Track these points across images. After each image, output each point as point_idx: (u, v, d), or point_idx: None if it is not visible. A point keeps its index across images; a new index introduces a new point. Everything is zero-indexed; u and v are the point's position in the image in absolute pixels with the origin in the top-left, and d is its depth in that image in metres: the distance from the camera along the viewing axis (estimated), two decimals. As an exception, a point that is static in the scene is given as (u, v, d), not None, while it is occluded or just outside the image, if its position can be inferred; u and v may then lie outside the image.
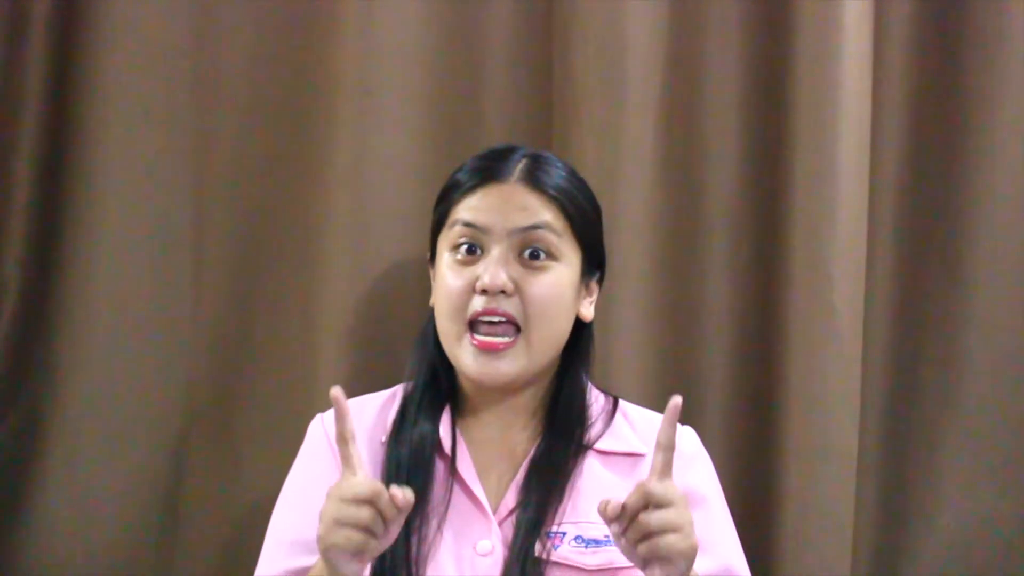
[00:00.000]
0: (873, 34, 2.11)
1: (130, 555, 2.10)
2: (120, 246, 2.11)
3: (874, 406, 2.15)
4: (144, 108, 2.11)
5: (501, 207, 1.74)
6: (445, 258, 1.76)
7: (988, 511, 2.14)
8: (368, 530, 1.50)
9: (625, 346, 2.09)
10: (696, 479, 1.77)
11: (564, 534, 1.69)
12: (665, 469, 1.54)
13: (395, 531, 1.53)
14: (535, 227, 1.74)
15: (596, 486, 1.73)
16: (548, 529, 1.68)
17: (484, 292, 1.72)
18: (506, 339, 1.72)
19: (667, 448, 1.54)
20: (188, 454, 2.13)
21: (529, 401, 1.78)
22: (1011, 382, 2.15)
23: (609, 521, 1.52)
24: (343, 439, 1.54)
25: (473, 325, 1.72)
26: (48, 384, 2.11)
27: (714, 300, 2.14)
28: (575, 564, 1.68)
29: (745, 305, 2.14)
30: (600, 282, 1.85)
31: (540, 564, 1.66)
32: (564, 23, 2.11)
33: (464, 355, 1.73)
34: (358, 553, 1.51)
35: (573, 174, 1.81)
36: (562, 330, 1.77)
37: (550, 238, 1.74)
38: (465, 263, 1.74)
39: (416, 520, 1.68)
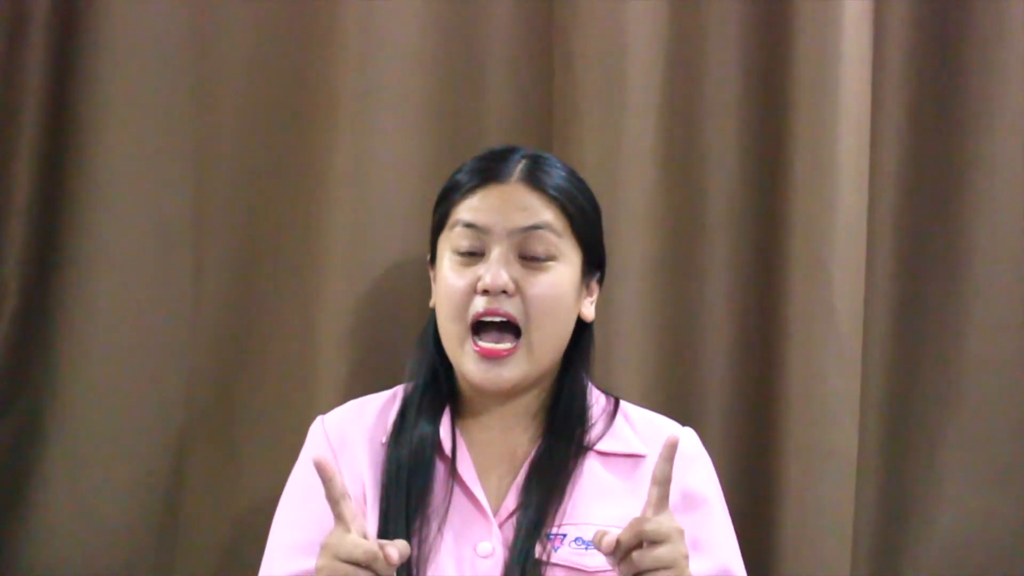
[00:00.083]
0: (873, 34, 2.11)
1: (130, 555, 2.11)
2: (120, 246, 2.11)
3: (874, 406, 2.15)
4: (144, 108, 2.11)
5: (501, 207, 1.75)
6: (446, 259, 1.76)
7: (988, 511, 2.14)
8: None
9: (625, 346, 2.09)
10: (696, 480, 1.77)
11: (564, 536, 1.69)
12: (660, 503, 1.55)
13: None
14: (536, 227, 1.74)
15: (597, 487, 1.73)
16: (548, 531, 1.68)
17: (486, 292, 1.72)
18: (508, 346, 1.72)
19: (663, 483, 1.55)
20: (188, 454, 2.13)
21: (530, 403, 1.78)
22: (1011, 382, 2.15)
23: (604, 554, 1.54)
24: (333, 499, 1.55)
25: (475, 329, 1.73)
26: (48, 384, 2.11)
27: (714, 300, 2.14)
28: (575, 566, 1.68)
29: (745, 305, 2.14)
30: (600, 282, 1.85)
31: (540, 566, 1.66)
32: (564, 23, 2.11)
33: (467, 361, 1.73)
34: None
35: (573, 174, 1.82)
36: (564, 330, 1.77)
37: (551, 238, 1.74)
38: (466, 264, 1.74)
39: (416, 522, 1.68)
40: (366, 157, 2.09)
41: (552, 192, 1.76)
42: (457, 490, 1.72)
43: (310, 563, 1.63)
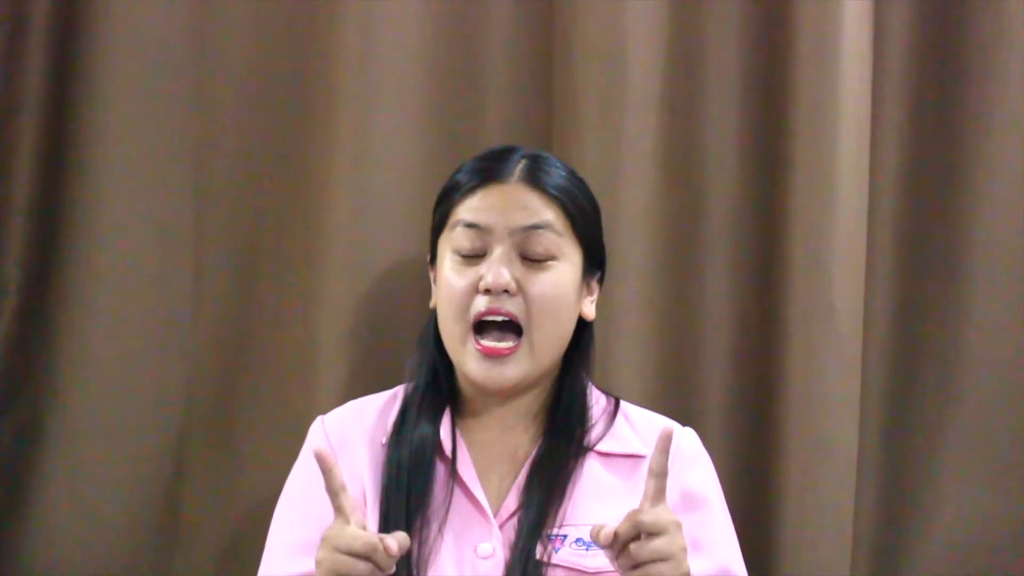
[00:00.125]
0: (873, 34, 2.11)
1: (130, 555, 2.11)
2: (120, 246, 2.11)
3: (874, 406, 2.15)
4: (144, 108, 2.11)
5: (502, 207, 1.75)
6: (447, 259, 1.76)
7: (988, 511, 2.14)
8: None
9: (625, 346, 2.09)
10: (696, 480, 1.77)
11: (565, 536, 1.69)
12: (657, 495, 1.55)
13: (391, 568, 1.55)
14: (536, 226, 1.74)
15: (597, 488, 1.73)
16: (549, 531, 1.68)
17: (487, 292, 1.72)
18: (510, 345, 1.72)
19: (659, 475, 1.55)
20: (188, 454, 2.13)
21: (531, 403, 1.79)
22: (1011, 382, 2.14)
23: (601, 547, 1.54)
24: (333, 491, 1.56)
25: (477, 328, 1.73)
26: (48, 384, 2.11)
27: (714, 300, 2.14)
28: (576, 567, 1.68)
29: (745, 305, 2.14)
30: (601, 281, 1.85)
31: (541, 567, 1.66)
32: (564, 23, 2.11)
33: (469, 361, 1.74)
34: None
35: (573, 174, 1.82)
36: (565, 329, 1.77)
37: (551, 237, 1.74)
38: (467, 264, 1.74)
39: (417, 522, 1.68)
40: (366, 157, 2.09)
41: (552, 192, 1.76)
42: (457, 491, 1.72)
43: (310, 563, 1.63)
